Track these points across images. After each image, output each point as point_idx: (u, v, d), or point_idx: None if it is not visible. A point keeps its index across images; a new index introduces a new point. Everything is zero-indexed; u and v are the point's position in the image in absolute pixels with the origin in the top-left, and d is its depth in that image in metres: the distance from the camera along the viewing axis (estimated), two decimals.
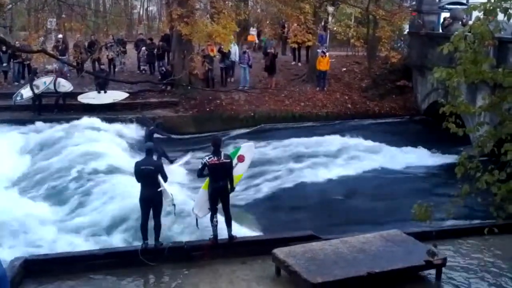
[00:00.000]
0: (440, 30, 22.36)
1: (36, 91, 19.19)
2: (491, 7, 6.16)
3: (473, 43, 6.21)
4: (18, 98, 19.37)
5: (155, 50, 23.33)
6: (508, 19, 6.21)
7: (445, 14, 23.35)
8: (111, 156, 15.31)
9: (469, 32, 6.28)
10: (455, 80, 6.39)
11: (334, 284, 7.62)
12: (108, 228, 11.39)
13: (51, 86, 19.45)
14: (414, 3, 26.00)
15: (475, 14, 6.71)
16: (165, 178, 8.99)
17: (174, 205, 9.07)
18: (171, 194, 8.97)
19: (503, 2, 6.10)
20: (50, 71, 21.29)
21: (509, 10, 6.08)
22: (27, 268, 8.43)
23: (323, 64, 22.48)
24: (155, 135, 15.84)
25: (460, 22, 20.16)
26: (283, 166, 16.47)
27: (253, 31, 29.19)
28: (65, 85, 19.58)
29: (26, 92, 19.37)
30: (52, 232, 11.10)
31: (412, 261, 8.25)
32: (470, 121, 14.09)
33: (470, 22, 7.43)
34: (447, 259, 8.37)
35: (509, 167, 6.40)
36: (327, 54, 23.01)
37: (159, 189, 8.81)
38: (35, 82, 19.35)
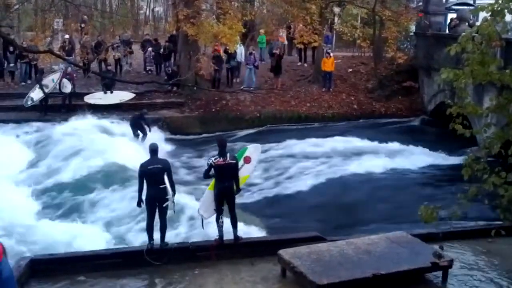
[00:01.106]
0: (447, 31, 22.32)
1: (46, 90, 19.28)
2: (499, 8, 6.12)
3: (480, 44, 6.18)
4: (29, 102, 19.39)
5: (161, 50, 23.39)
6: None
7: (451, 15, 23.32)
8: (115, 154, 15.31)
9: (477, 33, 6.24)
10: (462, 81, 6.35)
11: (339, 286, 7.59)
12: (114, 227, 11.40)
13: (57, 86, 19.52)
14: (420, 3, 25.97)
15: (482, 15, 6.68)
16: (170, 177, 8.98)
17: (173, 202, 9.01)
18: (172, 192, 8.91)
19: (511, 3, 6.06)
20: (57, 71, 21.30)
21: None
22: (33, 268, 8.45)
23: (327, 65, 22.48)
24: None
25: (467, 23, 20.12)
26: (288, 167, 16.45)
27: (281, 32, 28.83)
28: (67, 86, 19.66)
29: (36, 95, 19.42)
30: (56, 231, 11.13)
31: (418, 263, 8.21)
32: (477, 123, 14.05)
33: (477, 23, 7.39)
34: (453, 261, 8.34)
35: None
36: (331, 54, 22.98)
37: (161, 186, 8.78)
38: (43, 82, 19.42)
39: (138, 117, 17.92)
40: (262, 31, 25.45)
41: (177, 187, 9.30)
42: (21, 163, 15.53)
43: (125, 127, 18.21)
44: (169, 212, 9.01)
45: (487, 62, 6.32)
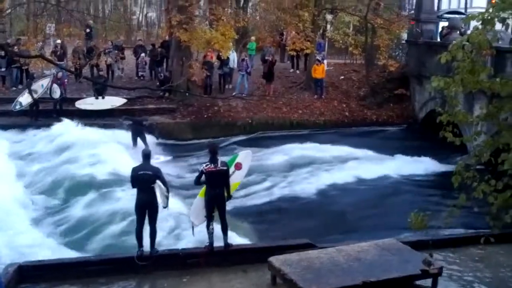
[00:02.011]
0: (438, 39, 22.45)
1: (35, 95, 19.18)
2: (489, 17, 6.15)
3: (471, 52, 6.21)
4: (17, 106, 19.29)
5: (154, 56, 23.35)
6: (506, 29, 6.22)
7: (443, 23, 23.45)
8: (107, 160, 15.23)
9: (467, 41, 6.28)
10: (452, 89, 6.38)
11: None
12: (103, 234, 11.31)
13: (47, 91, 19.42)
14: (412, 11, 26.12)
15: (474, 23, 6.71)
16: (164, 184, 8.95)
17: (167, 196, 8.95)
18: (165, 190, 8.87)
19: (501, 12, 6.10)
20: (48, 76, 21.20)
21: (507, 20, 6.09)
22: (22, 274, 8.38)
23: (318, 72, 22.50)
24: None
25: (458, 32, 20.25)
26: (280, 173, 16.42)
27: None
28: (56, 92, 19.52)
29: (24, 99, 19.32)
30: (45, 238, 11.04)
31: (408, 270, 8.21)
32: (467, 131, 14.11)
33: (468, 32, 7.43)
34: (443, 268, 8.34)
35: (505, 177, 6.38)
36: (325, 62, 23.02)
37: (152, 185, 8.73)
38: (32, 87, 19.33)
39: (138, 123, 17.78)
40: (252, 38, 25.47)
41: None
42: (9, 168, 15.37)
43: (114, 133, 18.12)
44: (162, 205, 8.93)
45: (477, 70, 6.34)
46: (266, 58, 22.83)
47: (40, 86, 19.45)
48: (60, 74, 20.00)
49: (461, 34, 19.16)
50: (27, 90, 19.43)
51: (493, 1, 6.30)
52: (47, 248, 10.35)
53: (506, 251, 9.69)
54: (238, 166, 9.85)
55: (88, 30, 26.46)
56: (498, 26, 6.57)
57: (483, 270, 9.15)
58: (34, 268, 8.60)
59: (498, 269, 9.21)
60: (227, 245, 9.27)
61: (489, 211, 6.55)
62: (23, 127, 18.72)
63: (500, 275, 8.98)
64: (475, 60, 6.32)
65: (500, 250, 9.54)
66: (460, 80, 6.33)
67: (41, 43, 23.40)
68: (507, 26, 6.14)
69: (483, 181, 6.49)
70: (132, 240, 9.33)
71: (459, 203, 6.64)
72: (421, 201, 14.34)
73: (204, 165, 9.12)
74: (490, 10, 6.17)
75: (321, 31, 25.68)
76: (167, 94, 21.47)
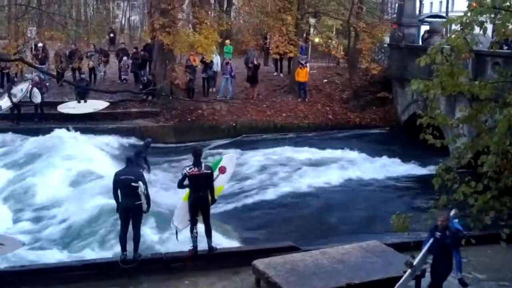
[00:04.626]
0: (420, 43, 22.68)
1: (14, 99, 18.94)
2: (467, 21, 6.24)
3: (449, 55, 6.29)
4: None
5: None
6: (484, 33, 6.31)
7: (425, 27, 23.71)
8: (88, 164, 15.13)
9: (448, 45, 6.36)
10: (432, 92, 6.45)
11: None
12: (86, 239, 11.21)
13: (27, 94, 19.19)
14: (394, 15, 26.36)
15: (454, 27, 6.80)
16: (146, 189, 8.90)
17: (148, 201, 8.86)
18: (145, 192, 8.81)
19: (479, 16, 6.19)
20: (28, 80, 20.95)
21: (484, 24, 6.18)
22: (2, 280, 8.28)
23: (301, 76, 22.58)
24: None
25: (439, 35, 20.47)
26: (264, 176, 16.45)
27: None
28: (37, 96, 19.28)
29: (4, 103, 19.09)
30: (27, 242, 10.89)
31: (392, 272, 8.27)
32: (449, 133, 14.24)
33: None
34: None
35: (485, 179, 6.46)
36: (307, 65, 23.11)
37: (133, 183, 8.65)
38: (12, 91, 19.11)
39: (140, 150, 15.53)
40: (227, 41, 25.45)
41: (151, 197, 9.21)
42: None
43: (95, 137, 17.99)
44: (143, 209, 8.85)
45: (456, 73, 6.42)
46: (250, 64, 22.73)
47: (20, 90, 19.23)
48: (36, 78, 19.71)
49: (442, 37, 19.39)
50: (6, 94, 19.22)
51: (474, 5, 6.38)
52: (31, 253, 10.23)
53: (487, 252, 9.80)
54: (222, 170, 9.85)
55: (112, 35, 26.40)
56: (478, 30, 6.67)
57: (464, 271, 9.23)
58: (16, 273, 8.51)
59: (478, 270, 9.31)
60: (211, 248, 9.26)
61: (470, 213, 6.63)
62: (4, 131, 18.49)
63: (480, 276, 9.07)
64: (454, 63, 6.40)
65: (480, 251, 9.65)
66: (439, 83, 6.41)
67: (21, 46, 23.10)
68: (484, 29, 6.24)
69: (464, 183, 6.56)
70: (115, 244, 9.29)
71: (439, 205, 6.71)
72: (403, 203, 14.49)
73: (187, 168, 9.10)
74: (469, 14, 6.25)
75: (304, 34, 25.76)
76: (150, 98, 21.39)
